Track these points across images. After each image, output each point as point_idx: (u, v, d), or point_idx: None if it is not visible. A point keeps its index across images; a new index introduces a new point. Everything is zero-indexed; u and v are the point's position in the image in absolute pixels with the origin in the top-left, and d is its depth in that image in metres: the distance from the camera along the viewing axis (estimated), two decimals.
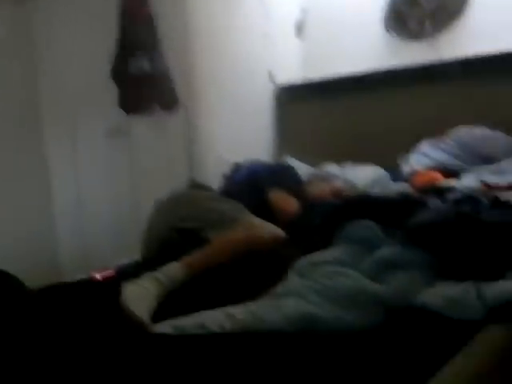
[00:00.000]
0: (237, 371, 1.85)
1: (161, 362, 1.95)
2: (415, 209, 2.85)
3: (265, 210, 3.29)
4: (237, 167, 4.11)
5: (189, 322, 2.18)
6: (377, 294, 2.25)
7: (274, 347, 2.00)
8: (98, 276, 3.22)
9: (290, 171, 3.85)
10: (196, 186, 3.45)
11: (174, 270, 2.60)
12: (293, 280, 2.49)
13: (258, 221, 3.05)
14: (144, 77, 4.49)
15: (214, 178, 4.30)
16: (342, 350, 1.95)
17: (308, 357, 1.91)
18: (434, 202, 2.99)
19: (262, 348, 2.00)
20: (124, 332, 2.23)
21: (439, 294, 2.23)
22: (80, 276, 3.27)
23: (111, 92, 4.63)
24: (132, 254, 3.42)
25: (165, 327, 2.19)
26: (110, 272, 3.18)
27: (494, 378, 1.94)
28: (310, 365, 1.86)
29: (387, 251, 2.55)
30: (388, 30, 4.88)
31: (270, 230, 2.97)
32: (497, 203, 2.85)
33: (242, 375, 1.83)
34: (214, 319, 2.17)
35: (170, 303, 2.45)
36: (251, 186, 3.60)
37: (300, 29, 5.30)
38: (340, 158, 4.54)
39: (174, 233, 3.03)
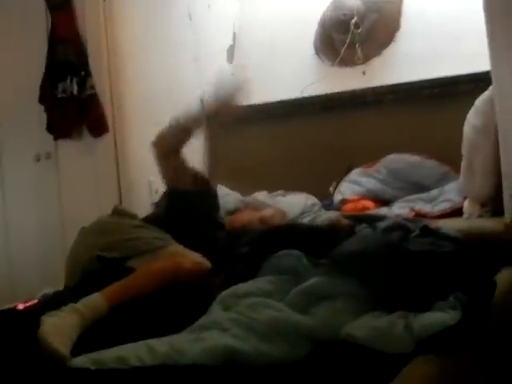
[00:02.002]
0: None
1: None
2: (343, 238, 2.83)
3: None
4: (166, 195, 4.03)
5: (108, 356, 2.11)
6: (301, 326, 2.21)
7: (194, 381, 1.95)
8: (20, 306, 3.11)
9: (209, 200, 3.76)
10: (120, 213, 3.36)
11: (95, 300, 2.51)
12: (216, 312, 2.44)
13: (182, 249, 2.99)
14: (72, 100, 4.42)
15: (143, 203, 4.25)
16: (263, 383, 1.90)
17: None
18: (362, 231, 2.96)
19: (181, 382, 1.94)
20: (41, 365, 2.15)
21: (366, 325, 2.19)
22: (4, 306, 3.16)
23: (39, 115, 4.54)
24: (59, 282, 3.33)
25: (83, 361, 2.11)
26: (33, 302, 3.08)
27: None
28: None
29: (313, 281, 2.51)
30: (319, 56, 4.89)
31: (194, 259, 2.91)
32: (426, 232, 2.84)
33: None
34: (134, 352, 2.10)
35: (91, 336, 2.37)
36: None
37: (231, 53, 5.28)
38: (271, 186, 4.51)
39: (96, 262, 2.94)
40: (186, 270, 2.81)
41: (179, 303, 2.59)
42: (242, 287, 2.60)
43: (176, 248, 3.00)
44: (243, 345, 2.10)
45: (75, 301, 2.50)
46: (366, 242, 2.70)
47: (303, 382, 1.92)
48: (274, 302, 2.39)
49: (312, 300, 2.41)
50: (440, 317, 2.14)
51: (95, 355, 2.13)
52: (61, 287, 3.20)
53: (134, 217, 3.38)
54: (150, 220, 3.39)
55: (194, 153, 4.88)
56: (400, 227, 2.92)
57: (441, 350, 2.03)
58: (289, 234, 3.08)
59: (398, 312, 2.24)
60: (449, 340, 2.05)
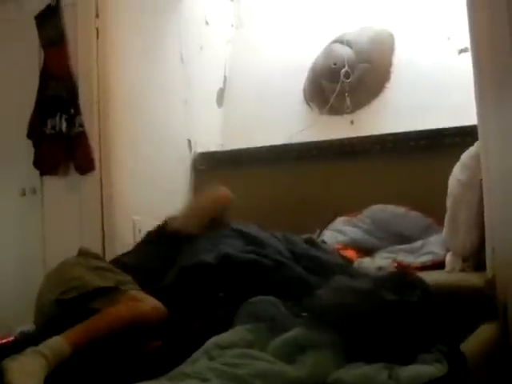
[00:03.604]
0: None
1: None
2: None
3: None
4: (149, 235, 4.02)
5: None
6: (290, 376, 2.20)
7: None
8: None
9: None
10: (84, 254, 3.34)
11: (56, 343, 2.50)
12: (200, 362, 2.41)
13: (142, 294, 2.98)
14: (61, 137, 4.42)
15: (126, 242, 4.24)
16: None
17: None
18: (336, 280, 2.95)
19: None
20: None
21: (353, 372, 2.20)
22: None
23: (27, 150, 4.55)
24: None
25: None
26: (8, 339, 3.05)
27: None
28: None
29: (296, 332, 2.51)
30: (308, 104, 4.92)
31: (153, 304, 2.91)
32: (404, 283, 2.84)
33: None
34: None
35: (54, 379, 2.36)
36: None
37: (221, 97, 5.32)
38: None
39: (56, 305, 2.90)
40: (144, 315, 2.82)
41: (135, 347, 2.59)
42: (225, 338, 2.57)
43: (136, 293, 2.98)
44: None
45: (37, 344, 2.48)
46: (342, 292, 2.69)
47: None
48: (260, 353, 2.39)
49: (296, 350, 2.41)
50: (427, 369, 2.16)
51: None
52: None
53: (98, 257, 3.37)
54: (118, 262, 3.38)
55: (180, 196, 4.93)
56: (381, 278, 2.92)
57: None
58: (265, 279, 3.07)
59: (380, 363, 2.25)
60: None
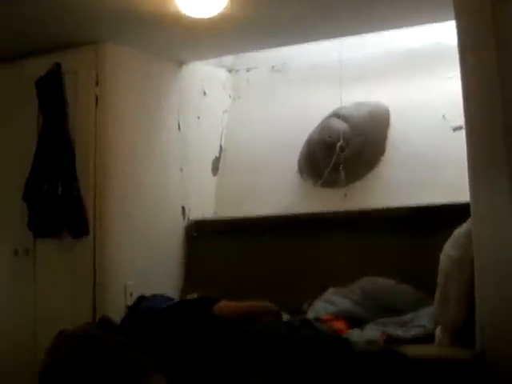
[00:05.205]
0: None
1: None
2: None
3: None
4: (141, 299, 4.03)
5: None
6: None
7: None
8: None
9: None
10: (106, 326, 3.36)
11: None
12: None
13: None
14: (56, 201, 4.46)
15: (117, 305, 4.26)
16: None
17: None
18: None
19: None
20: None
21: None
22: None
23: (21, 211, 4.58)
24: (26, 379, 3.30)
25: None
26: None
27: None
28: None
29: None
30: (302, 176, 4.97)
31: None
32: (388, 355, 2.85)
33: None
34: None
35: None
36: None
37: (216, 166, 5.37)
38: (246, 298, 4.50)
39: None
40: None
41: None
42: None
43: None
44: None
45: None
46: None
47: None
48: None
49: None
50: None
51: None
52: None
53: (119, 330, 3.38)
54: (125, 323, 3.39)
55: (172, 263, 4.95)
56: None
57: None
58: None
59: None
60: None
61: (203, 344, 3.14)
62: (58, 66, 4.60)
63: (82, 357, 2.96)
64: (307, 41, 4.86)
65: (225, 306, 3.67)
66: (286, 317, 3.73)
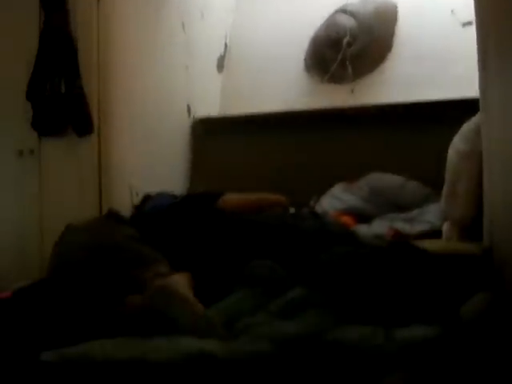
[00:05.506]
0: None
1: None
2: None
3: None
4: (146, 198, 4.03)
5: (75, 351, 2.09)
6: (288, 332, 2.21)
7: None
8: None
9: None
10: (113, 217, 3.36)
11: None
12: None
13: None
14: (60, 99, 4.41)
15: (123, 205, 4.26)
16: None
17: None
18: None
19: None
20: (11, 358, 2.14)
21: (349, 332, 2.21)
22: None
23: (24, 112, 4.53)
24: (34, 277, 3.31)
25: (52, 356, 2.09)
26: (6, 294, 3.06)
27: None
28: None
29: (294, 293, 2.52)
30: (309, 72, 4.91)
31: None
32: (396, 249, 2.86)
33: None
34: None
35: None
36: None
37: (221, 64, 5.31)
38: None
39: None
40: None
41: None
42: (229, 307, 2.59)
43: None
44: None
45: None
46: (343, 256, 2.70)
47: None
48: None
49: (295, 310, 2.42)
50: (421, 330, 2.17)
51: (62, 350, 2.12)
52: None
53: (127, 223, 3.38)
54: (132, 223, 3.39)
55: (178, 161, 4.93)
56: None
57: (420, 362, 2.04)
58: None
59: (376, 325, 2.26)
60: (428, 353, 2.06)
61: (207, 234, 3.13)
62: None
63: (91, 248, 2.96)
64: None
65: (230, 199, 3.66)
66: (293, 210, 3.72)
